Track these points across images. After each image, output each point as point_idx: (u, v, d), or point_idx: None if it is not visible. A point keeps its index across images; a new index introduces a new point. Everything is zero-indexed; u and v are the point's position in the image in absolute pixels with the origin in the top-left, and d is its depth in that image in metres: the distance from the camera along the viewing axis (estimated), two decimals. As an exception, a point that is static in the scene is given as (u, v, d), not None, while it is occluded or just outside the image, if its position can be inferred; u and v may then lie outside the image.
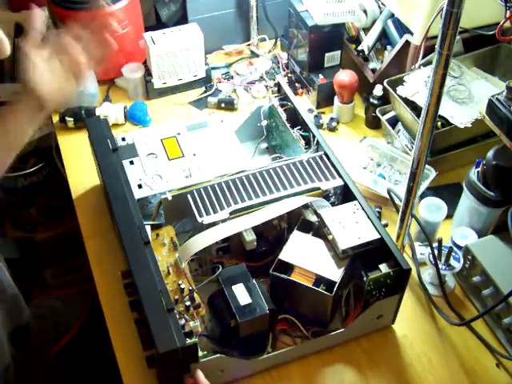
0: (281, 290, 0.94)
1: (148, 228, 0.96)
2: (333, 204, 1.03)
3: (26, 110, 0.85)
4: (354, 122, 1.40)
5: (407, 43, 1.27)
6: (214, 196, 1.01)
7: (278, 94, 1.25)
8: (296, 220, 1.01)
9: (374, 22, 1.39)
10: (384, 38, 1.39)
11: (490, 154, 1.04)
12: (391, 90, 1.24)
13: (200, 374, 0.83)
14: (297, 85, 1.47)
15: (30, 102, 0.85)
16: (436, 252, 1.01)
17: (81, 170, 1.27)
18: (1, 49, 0.61)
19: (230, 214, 0.97)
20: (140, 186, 1.06)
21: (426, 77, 1.22)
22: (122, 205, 0.98)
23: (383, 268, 0.92)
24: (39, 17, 0.84)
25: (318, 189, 1.02)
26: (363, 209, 0.98)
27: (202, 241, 0.93)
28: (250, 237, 0.96)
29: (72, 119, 1.35)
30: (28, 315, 1.01)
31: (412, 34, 1.25)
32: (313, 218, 1.00)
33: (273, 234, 1.01)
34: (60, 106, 0.95)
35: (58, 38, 0.85)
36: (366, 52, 1.40)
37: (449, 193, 1.18)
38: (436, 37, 0.81)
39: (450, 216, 1.11)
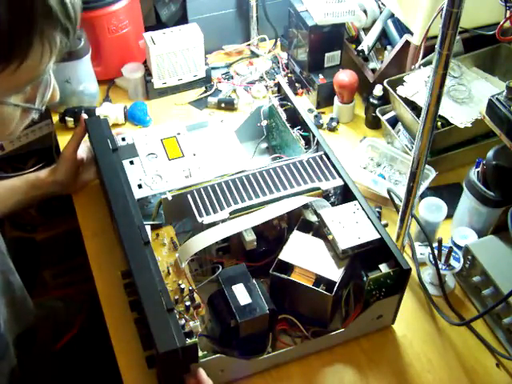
0: (281, 290, 0.94)
1: (148, 228, 0.96)
2: (333, 204, 1.03)
3: (50, 191, 1.18)
4: (354, 122, 1.40)
5: (407, 43, 1.27)
6: (214, 196, 1.01)
7: (277, 94, 1.25)
8: (296, 220, 1.01)
9: (374, 22, 1.39)
10: (384, 38, 1.38)
11: (490, 154, 1.04)
12: (391, 90, 1.24)
13: (202, 373, 0.83)
14: (297, 85, 1.47)
15: (57, 188, 1.18)
16: (436, 252, 1.01)
17: (81, 170, 1.26)
18: (54, 95, 0.71)
19: (230, 213, 0.97)
20: (140, 186, 1.06)
21: (426, 77, 1.22)
22: (122, 205, 0.98)
23: (383, 268, 0.92)
24: (84, 128, 1.15)
25: (318, 189, 1.02)
26: (363, 209, 0.98)
27: (202, 241, 0.93)
28: (250, 237, 0.96)
29: (72, 119, 1.35)
30: (34, 317, 1.01)
31: (412, 33, 1.25)
32: (313, 218, 1.00)
33: (273, 234, 1.01)
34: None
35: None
36: (366, 52, 1.40)
37: (449, 193, 1.18)
38: (436, 37, 0.81)
39: (450, 216, 1.11)
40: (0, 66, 0.57)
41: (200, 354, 0.84)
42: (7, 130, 0.67)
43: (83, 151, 1.19)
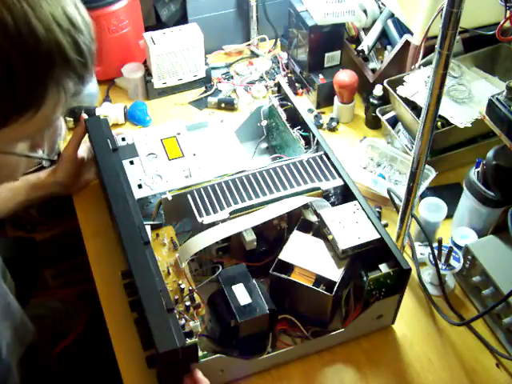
0: (281, 290, 0.94)
1: (148, 228, 0.96)
2: (333, 204, 1.03)
3: (50, 191, 1.17)
4: (354, 121, 1.40)
5: (407, 43, 1.27)
6: (214, 196, 1.01)
7: (277, 94, 1.25)
8: (296, 220, 1.01)
9: (374, 22, 1.39)
10: (384, 38, 1.39)
11: (490, 154, 1.04)
12: (391, 90, 1.24)
13: (198, 373, 0.83)
14: (297, 85, 1.47)
15: (58, 188, 1.17)
16: (436, 252, 1.01)
17: (81, 170, 1.26)
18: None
19: (230, 213, 0.97)
20: (140, 186, 1.06)
21: (426, 77, 1.22)
22: (122, 205, 0.98)
23: (383, 268, 0.92)
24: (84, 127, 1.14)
25: (318, 189, 1.02)
26: (363, 209, 0.98)
27: (202, 241, 0.93)
28: (250, 237, 0.96)
29: (72, 119, 1.35)
30: (33, 336, 0.99)
31: (412, 33, 1.25)
32: (313, 218, 1.00)
33: (273, 234, 1.01)
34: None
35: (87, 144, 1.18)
36: (366, 52, 1.40)
37: (449, 193, 1.18)
38: (436, 37, 0.81)
39: (450, 216, 1.11)
40: (13, 116, 0.55)
41: (200, 353, 0.84)
42: (13, 177, 0.66)
43: (83, 151, 1.19)
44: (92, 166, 1.19)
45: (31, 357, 0.96)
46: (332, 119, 1.38)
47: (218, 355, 0.86)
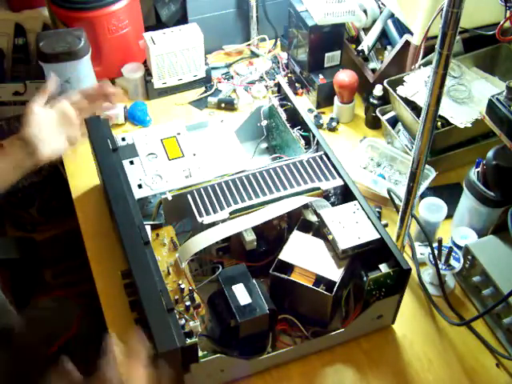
0: (281, 290, 0.94)
1: (148, 228, 0.96)
2: (333, 204, 1.03)
3: (17, 156, 0.95)
4: (354, 121, 1.40)
5: (407, 43, 1.27)
6: (214, 196, 1.01)
7: (278, 94, 1.25)
8: (296, 220, 1.01)
9: (374, 22, 1.39)
10: (384, 38, 1.39)
11: (490, 154, 1.04)
12: (391, 90, 1.24)
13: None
14: (297, 85, 1.47)
15: (23, 149, 0.94)
16: (436, 252, 1.01)
17: (81, 170, 1.27)
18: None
19: (230, 213, 0.97)
20: (140, 186, 1.06)
21: (426, 77, 1.22)
22: (122, 205, 0.98)
23: (383, 268, 0.92)
24: (54, 82, 0.99)
25: (318, 189, 1.02)
26: (363, 209, 0.98)
27: (202, 241, 0.93)
28: (250, 237, 0.96)
29: (72, 119, 1.35)
30: (15, 318, 0.98)
31: (412, 33, 1.25)
32: (313, 218, 1.00)
33: (273, 234, 1.01)
34: (48, 159, 0.98)
35: (61, 103, 0.98)
36: (366, 52, 1.40)
37: (449, 193, 1.18)
38: (436, 37, 0.81)
39: (450, 216, 1.11)
40: None
41: (200, 353, 0.84)
42: None
43: (57, 108, 0.99)
44: (71, 127, 0.99)
45: (7, 339, 0.95)
46: (332, 119, 1.38)
47: (218, 355, 0.86)
